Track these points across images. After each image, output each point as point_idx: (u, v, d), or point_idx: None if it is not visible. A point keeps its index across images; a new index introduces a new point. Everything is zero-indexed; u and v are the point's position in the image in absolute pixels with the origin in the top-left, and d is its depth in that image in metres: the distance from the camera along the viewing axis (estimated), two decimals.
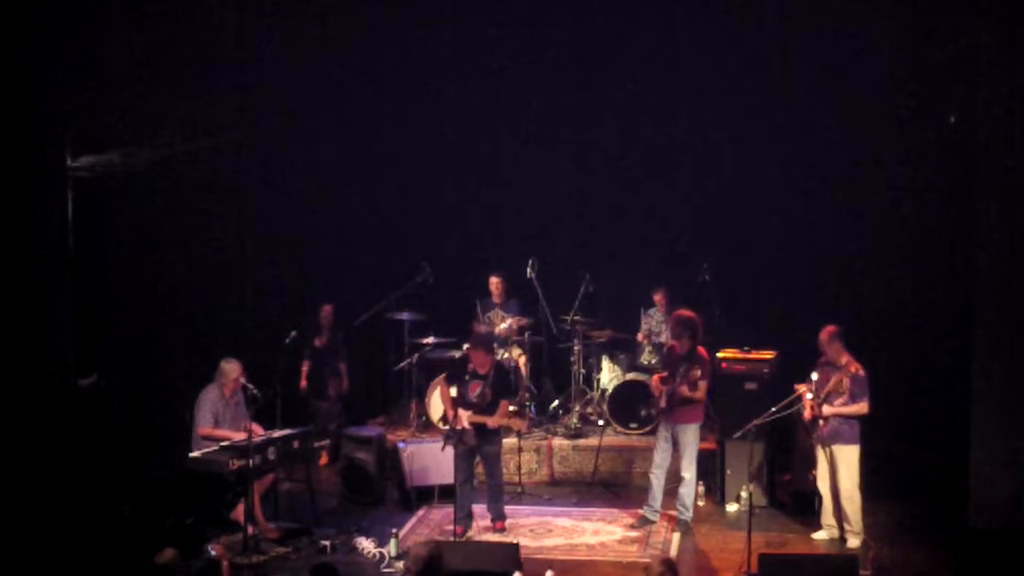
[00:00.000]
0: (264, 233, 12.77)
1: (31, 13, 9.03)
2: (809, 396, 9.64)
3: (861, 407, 9.52)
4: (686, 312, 10.30)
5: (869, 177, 11.98)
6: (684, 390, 9.91)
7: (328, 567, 7.16)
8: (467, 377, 10.05)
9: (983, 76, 8.90)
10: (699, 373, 9.88)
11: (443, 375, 11.86)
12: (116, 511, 9.80)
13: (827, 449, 9.67)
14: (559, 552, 9.73)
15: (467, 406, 9.98)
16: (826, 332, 9.63)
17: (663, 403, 10.08)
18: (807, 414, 9.62)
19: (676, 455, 10.16)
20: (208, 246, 11.96)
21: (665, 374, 10.21)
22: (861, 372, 9.54)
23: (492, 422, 9.94)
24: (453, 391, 10.09)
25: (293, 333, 11.64)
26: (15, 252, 8.99)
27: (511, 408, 10.38)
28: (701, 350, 10.13)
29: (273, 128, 12.45)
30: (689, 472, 10.09)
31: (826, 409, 9.52)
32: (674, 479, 10.26)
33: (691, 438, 10.05)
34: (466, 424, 9.92)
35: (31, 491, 8.83)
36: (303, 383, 12.07)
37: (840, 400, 9.54)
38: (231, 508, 9.99)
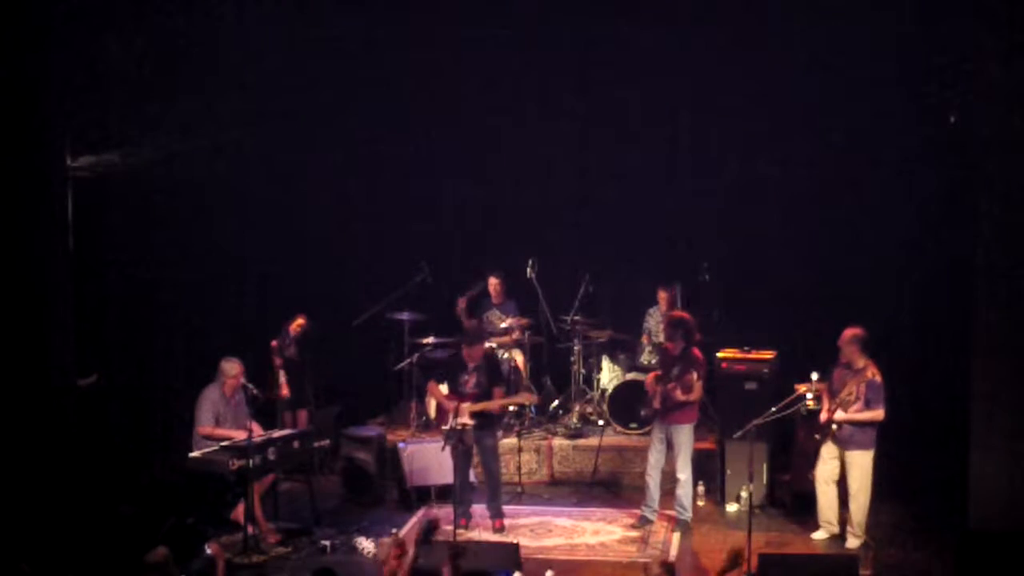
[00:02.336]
0: (264, 233, 12.76)
1: (31, 13, 9.03)
2: (810, 396, 9.63)
3: (876, 414, 9.47)
4: (679, 313, 10.31)
5: (869, 177, 11.97)
6: (678, 394, 9.90)
7: (328, 571, 7.17)
8: (457, 369, 10.20)
9: (983, 76, 8.90)
10: (695, 377, 9.87)
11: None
12: (116, 511, 9.80)
13: (840, 451, 9.64)
14: (559, 552, 9.74)
15: (464, 397, 10.07)
16: (848, 332, 9.55)
17: (657, 404, 10.08)
18: (823, 417, 9.58)
19: (671, 455, 10.15)
20: (208, 246, 11.95)
21: (660, 372, 10.20)
22: (878, 378, 9.47)
23: (494, 406, 10.10)
24: (444, 388, 10.17)
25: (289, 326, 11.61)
26: (15, 252, 8.99)
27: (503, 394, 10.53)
28: (695, 351, 10.13)
29: (273, 128, 12.44)
30: (684, 473, 10.08)
31: (839, 415, 9.49)
32: (671, 479, 10.25)
33: (685, 438, 10.04)
34: (467, 418, 9.96)
35: (31, 491, 8.83)
36: (284, 392, 11.61)
37: (855, 407, 9.48)
38: (231, 508, 9.99)
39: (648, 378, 10.40)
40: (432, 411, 11.99)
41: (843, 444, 9.58)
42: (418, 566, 7.62)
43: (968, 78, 9.63)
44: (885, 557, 9.41)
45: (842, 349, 9.60)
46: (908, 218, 11.71)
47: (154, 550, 7.26)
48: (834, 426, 9.52)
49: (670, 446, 10.08)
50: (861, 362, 9.54)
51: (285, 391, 11.67)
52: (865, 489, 9.58)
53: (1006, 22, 8.72)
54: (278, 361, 11.59)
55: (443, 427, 10.03)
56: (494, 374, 10.32)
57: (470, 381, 10.15)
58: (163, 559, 7.20)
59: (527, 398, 11.01)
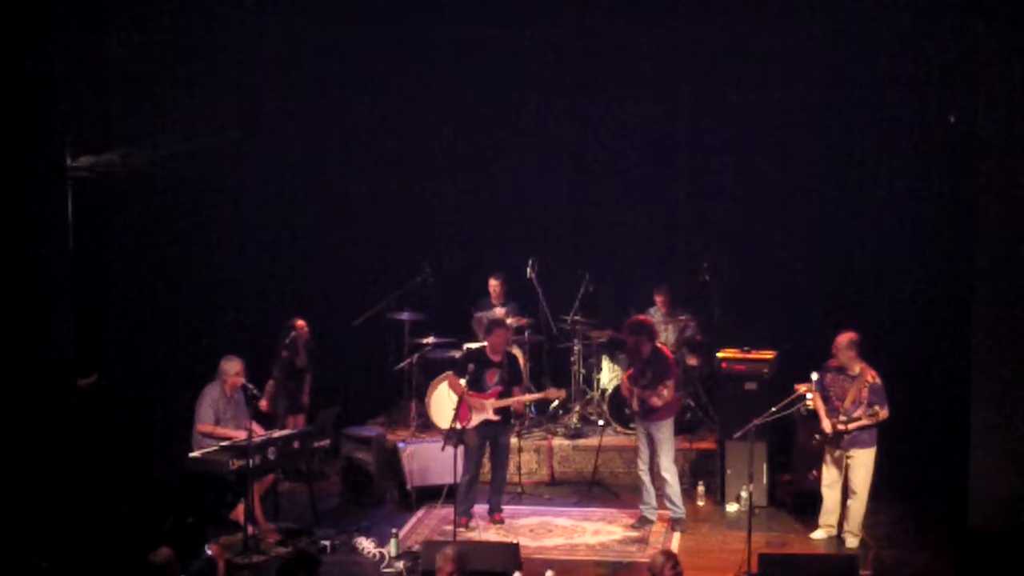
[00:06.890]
0: (264, 233, 12.76)
1: (31, 13, 9.04)
2: (810, 396, 9.63)
3: (883, 415, 9.47)
4: (637, 317, 10.38)
5: (869, 177, 11.97)
6: (655, 401, 9.93)
7: (307, 556, 7.16)
8: (479, 366, 10.18)
9: (983, 76, 8.90)
10: (671, 386, 9.91)
11: (445, 374, 11.87)
12: (116, 511, 9.80)
13: (843, 454, 9.63)
14: (559, 552, 9.73)
15: (487, 394, 10.11)
16: (844, 338, 9.51)
17: (636, 406, 10.10)
18: (827, 428, 9.53)
19: (654, 452, 10.12)
20: (208, 246, 11.95)
21: (632, 373, 10.22)
22: (878, 381, 9.48)
23: (521, 401, 10.25)
24: (463, 381, 10.10)
25: (293, 333, 11.59)
26: (15, 252, 9.00)
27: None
28: (664, 349, 10.26)
29: (273, 128, 12.45)
30: (669, 472, 10.07)
31: (852, 425, 9.45)
32: (661, 479, 10.22)
33: (665, 435, 10.06)
34: (491, 414, 10.04)
35: (32, 491, 8.84)
36: (265, 403, 10.98)
37: (859, 411, 9.47)
38: (231, 508, 9.99)
39: (623, 379, 10.43)
40: (432, 411, 12.01)
41: (847, 446, 9.57)
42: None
43: (968, 78, 9.64)
44: (885, 557, 9.41)
45: (837, 355, 9.57)
46: (908, 218, 11.71)
47: (158, 551, 7.25)
48: (845, 436, 9.51)
49: (652, 442, 10.09)
50: (857, 367, 9.52)
51: (265, 403, 10.92)
52: (867, 487, 9.59)
53: (1006, 22, 8.73)
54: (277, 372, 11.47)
55: (462, 424, 10.02)
56: (515, 372, 10.43)
57: (493, 378, 10.18)
58: (167, 560, 7.19)
59: (555, 393, 11.00)
